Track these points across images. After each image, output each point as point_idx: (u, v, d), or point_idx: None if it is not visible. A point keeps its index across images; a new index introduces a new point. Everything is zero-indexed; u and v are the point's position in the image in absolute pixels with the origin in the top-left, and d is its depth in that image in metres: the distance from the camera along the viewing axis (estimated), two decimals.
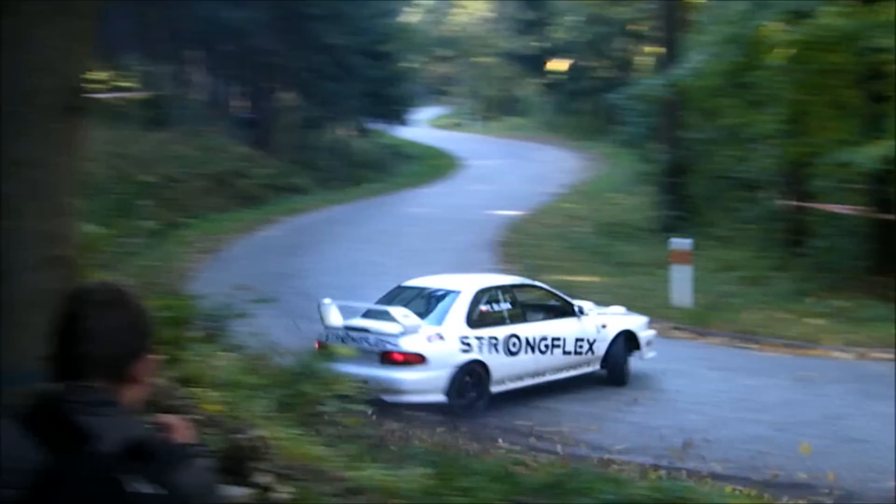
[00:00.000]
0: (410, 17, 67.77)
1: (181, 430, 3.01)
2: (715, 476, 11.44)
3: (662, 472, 11.30)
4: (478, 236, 30.74)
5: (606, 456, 12.42)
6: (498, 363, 14.66)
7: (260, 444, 7.91)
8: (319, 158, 46.45)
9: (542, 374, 15.35)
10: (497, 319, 15.10)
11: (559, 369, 15.54)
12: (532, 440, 13.17)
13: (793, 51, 23.00)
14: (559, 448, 12.69)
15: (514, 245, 29.45)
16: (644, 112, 32.98)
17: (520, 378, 15.04)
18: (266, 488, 7.85)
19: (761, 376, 16.49)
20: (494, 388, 14.66)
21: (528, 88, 74.02)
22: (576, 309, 16.02)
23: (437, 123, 77.59)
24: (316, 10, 42.23)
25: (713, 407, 14.50)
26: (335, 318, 15.00)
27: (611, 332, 16.11)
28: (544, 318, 15.75)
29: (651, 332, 16.89)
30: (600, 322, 16.11)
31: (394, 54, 51.57)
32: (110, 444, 2.73)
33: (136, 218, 26.45)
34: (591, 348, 15.82)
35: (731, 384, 16.00)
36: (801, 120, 23.89)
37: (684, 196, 30.44)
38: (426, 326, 14.48)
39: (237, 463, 7.50)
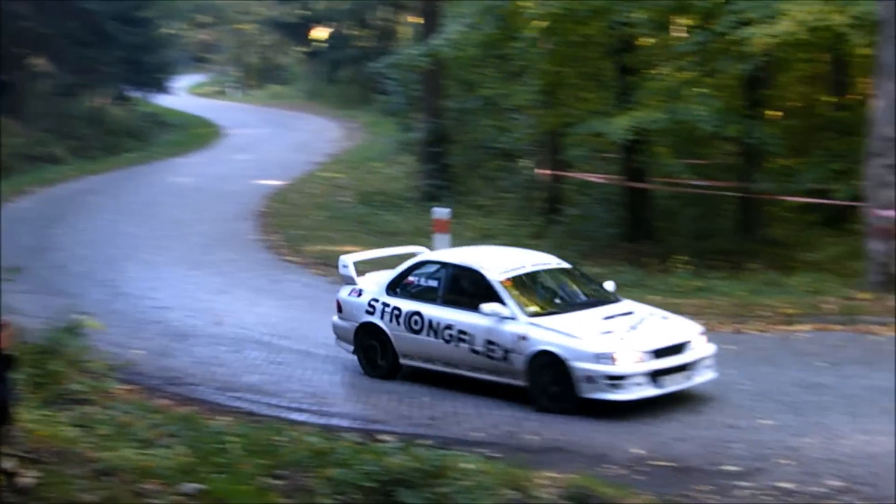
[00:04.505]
0: None
1: None
2: (471, 443, 11.64)
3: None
4: (239, 206, 30.39)
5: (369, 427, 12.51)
6: (399, 335, 14.26)
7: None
8: (75, 127, 44.90)
9: (453, 364, 13.93)
10: (414, 294, 14.46)
11: (471, 367, 13.74)
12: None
13: (547, 23, 23.46)
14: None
15: (276, 215, 29.20)
16: (405, 82, 33.12)
17: (429, 360, 14.19)
18: (10, 473, 7.58)
19: None
20: (403, 361, 14.42)
21: (290, 57, 73.50)
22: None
23: (198, 91, 76.25)
24: None
25: None
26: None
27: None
28: (465, 308, 13.81)
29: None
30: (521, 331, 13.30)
31: (152, 20, 50.28)
32: None
33: None
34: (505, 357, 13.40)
35: None
36: (555, 91, 24.47)
37: (445, 165, 30.75)
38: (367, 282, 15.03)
39: None
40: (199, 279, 20.95)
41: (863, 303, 17.27)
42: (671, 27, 23.99)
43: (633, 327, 13.26)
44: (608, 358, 12.60)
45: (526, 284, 14.03)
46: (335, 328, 15.15)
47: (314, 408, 13.38)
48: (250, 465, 8.93)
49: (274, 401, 13.67)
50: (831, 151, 22.35)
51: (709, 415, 12.55)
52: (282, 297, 19.86)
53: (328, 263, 22.65)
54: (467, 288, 14.10)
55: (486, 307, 13.37)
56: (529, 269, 14.28)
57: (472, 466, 9.30)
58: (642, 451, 11.39)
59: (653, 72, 23.57)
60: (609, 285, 14.63)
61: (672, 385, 12.93)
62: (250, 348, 16.15)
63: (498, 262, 14.29)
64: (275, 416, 12.84)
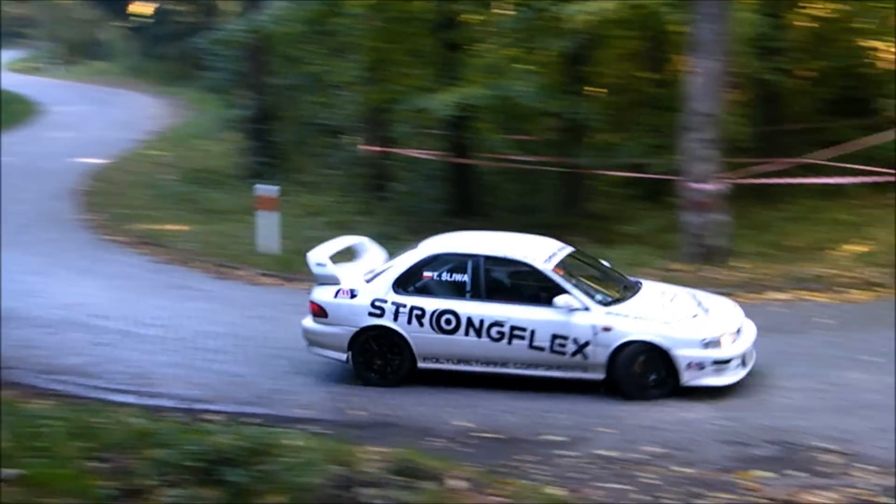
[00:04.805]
0: None
1: None
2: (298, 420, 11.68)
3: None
4: (59, 185, 29.68)
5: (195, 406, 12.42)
6: (422, 337, 13.02)
7: None
8: None
9: (502, 363, 12.93)
10: (435, 291, 13.22)
11: (530, 364, 12.82)
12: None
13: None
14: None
15: (97, 194, 28.61)
16: (229, 58, 32.67)
17: (462, 361, 13.04)
18: None
19: None
20: (422, 364, 13.14)
21: (111, 32, 71.79)
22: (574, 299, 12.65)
23: (16, 68, 73.84)
24: None
25: (300, 351, 14.48)
26: None
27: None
28: (513, 302, 12.91)
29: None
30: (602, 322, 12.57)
31: None
32: None
33: None
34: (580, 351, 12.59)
35: None
36: (380, 67, 24.43)
37: (271, 142, 30.55)
38: (353, 279, 13.46)
39: None
40: (16, 259, 20.33)
41: (679, 273, 17.77)
42: (494, 4, 24.24)
43: (705, 309, 12.94)
44: (716, 343, 12.31)
45: (570, 272, 13.14)
46: (311, 334, 13.60)
47: (138, 389, 13.22)
48: (71, 448, 8.77)
49: (96, 383, 13.48)
50: (649, 127, 22.89)
51: (532, 387, 12.77)
52: (104, 276, 19.50)
53: (152, 242, 22.36)
54: (508, 280, 13.31)
55: (560, 300, 12.51)
56: (560, 255, 13.39)
57: (299, 443, 9.30)
58: (468, 424, 11.59)
59: (477, 48, 23.77)
60: (606, 264, 14.24)
61: (750, 364, 12.75)
62: (71, 330, 15.84)
63: (531, 249, 13.37)
64: (97, 398, 12.65)
